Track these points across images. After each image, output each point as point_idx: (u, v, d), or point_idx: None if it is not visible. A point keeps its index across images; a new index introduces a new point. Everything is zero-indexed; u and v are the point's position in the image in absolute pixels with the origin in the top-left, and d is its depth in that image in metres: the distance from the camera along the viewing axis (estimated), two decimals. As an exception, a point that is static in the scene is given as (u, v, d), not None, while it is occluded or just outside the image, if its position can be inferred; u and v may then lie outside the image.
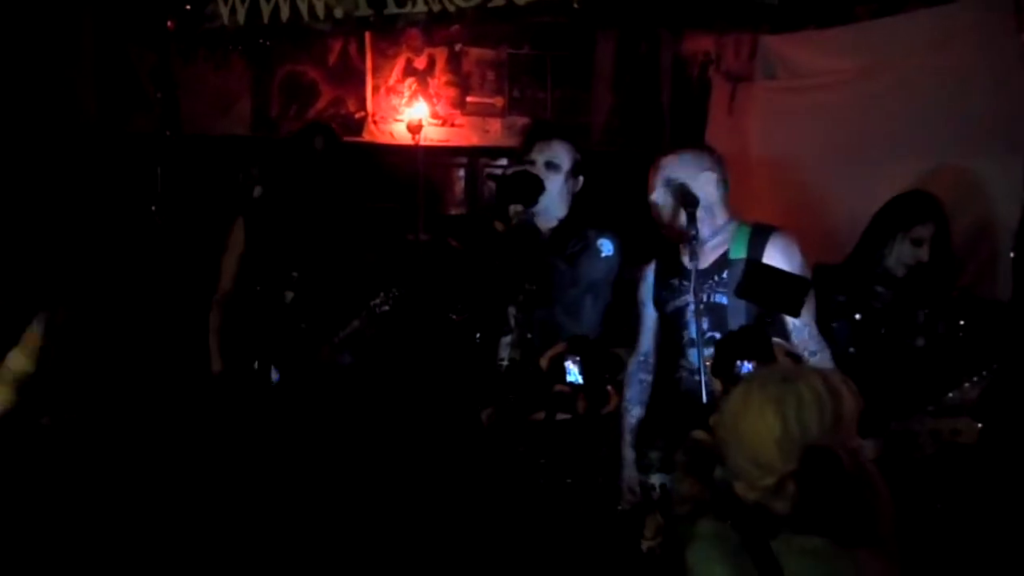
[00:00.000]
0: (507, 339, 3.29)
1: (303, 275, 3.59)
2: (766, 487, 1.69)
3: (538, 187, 3.18)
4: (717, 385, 2.39)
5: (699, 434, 2.21)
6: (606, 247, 3.41)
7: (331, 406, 3.67)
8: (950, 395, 3.03)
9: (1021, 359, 2.72)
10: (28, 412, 3.14)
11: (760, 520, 1.70)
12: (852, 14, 4.60)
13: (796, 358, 2.37)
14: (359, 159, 5.66)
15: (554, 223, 3.44)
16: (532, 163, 3.39)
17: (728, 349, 2.34)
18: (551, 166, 3.40)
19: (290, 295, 3.55)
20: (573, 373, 2.72)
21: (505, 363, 3.29)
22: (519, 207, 3.18)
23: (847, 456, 1.67)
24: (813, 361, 2.83)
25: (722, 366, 2.33)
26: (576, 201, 3.49)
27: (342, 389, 3.69)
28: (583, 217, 3.48)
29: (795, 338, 2.93)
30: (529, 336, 3.22)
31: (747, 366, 2.29)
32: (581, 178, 3.48)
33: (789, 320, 2.93)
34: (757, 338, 2.33)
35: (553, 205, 3.40)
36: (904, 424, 3.03)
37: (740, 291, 2.57)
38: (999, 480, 2.79)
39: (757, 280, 2.48)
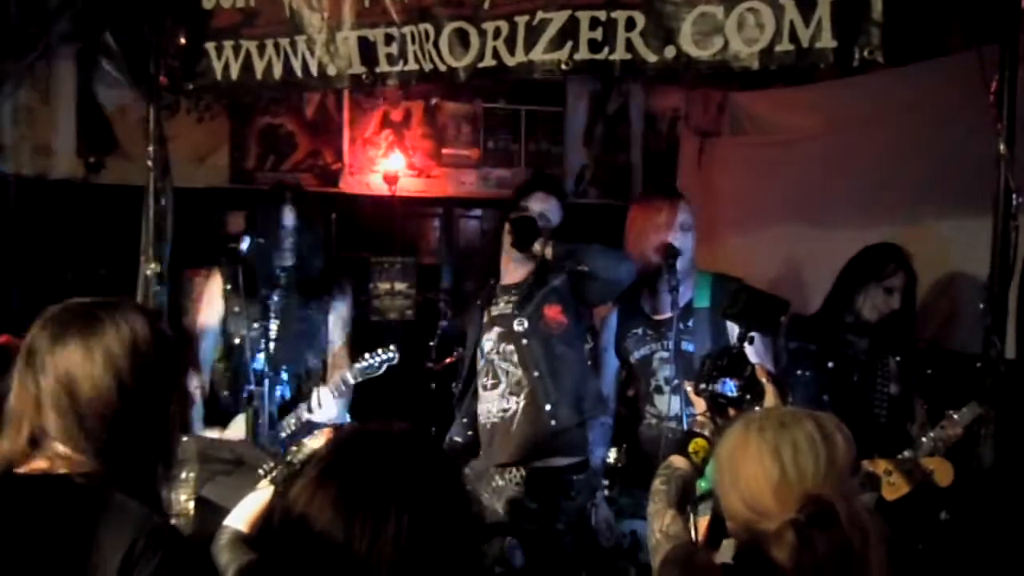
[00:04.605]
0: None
1: (280, 330, 3.54)
2: (764, 532, 1.68)
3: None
4: (699, 407, 2.38)
5: (678, 460, 2.22)
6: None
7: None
8: (923, 439, 3.17)
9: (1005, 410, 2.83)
10: None
11: (756, 561, 1.72)
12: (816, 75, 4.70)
13: (778, 382, 2.40)
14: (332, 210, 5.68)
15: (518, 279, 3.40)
16: (526, 211, 3.34)
17: (709, 368, 2.36)
18: (543, 220, 3.34)
19: (263, 354, 3.47)
20: None
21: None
22: None
23: (843, 503, 1.65)
24: None
25: (704, 385, 2.35)
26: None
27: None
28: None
29: None
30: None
31: (728, 384, 2.34)
32: (552, 242, 3.33)
33: None
34: (737, 357, 2.38)
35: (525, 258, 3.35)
36: (873, 465, 3.15)
37: (725, 312, 2.61)
38: (976, 519, 2.89)
39: (741, 300, 2.50)
